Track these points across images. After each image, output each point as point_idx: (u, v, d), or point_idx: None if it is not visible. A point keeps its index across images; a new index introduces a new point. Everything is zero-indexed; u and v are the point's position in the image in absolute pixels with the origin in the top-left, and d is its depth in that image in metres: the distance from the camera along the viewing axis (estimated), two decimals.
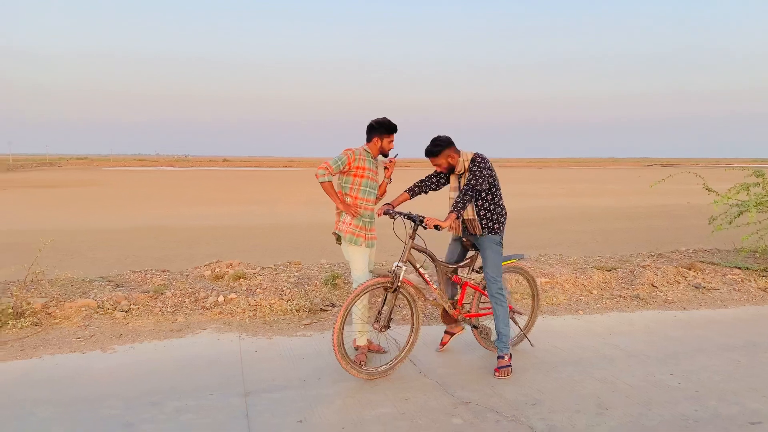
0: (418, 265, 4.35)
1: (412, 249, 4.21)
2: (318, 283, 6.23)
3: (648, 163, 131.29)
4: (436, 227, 4.05)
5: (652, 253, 8.53)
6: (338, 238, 4.44)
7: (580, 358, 4.46)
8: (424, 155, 4.39)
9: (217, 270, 6.65)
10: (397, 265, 4.11)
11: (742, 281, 6.80)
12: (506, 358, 4.23)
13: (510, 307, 4.72)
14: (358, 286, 4.11)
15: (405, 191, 4.59)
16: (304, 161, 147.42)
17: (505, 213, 4.43)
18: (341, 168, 4.36)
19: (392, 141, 4.52)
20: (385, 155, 4.54)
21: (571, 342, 4.85)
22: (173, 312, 5.48)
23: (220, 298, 5.73)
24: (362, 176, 4.38)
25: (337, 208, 4.45)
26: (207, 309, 5.57)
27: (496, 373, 4.16)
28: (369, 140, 4.47)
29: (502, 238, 4.39)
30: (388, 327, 4.17)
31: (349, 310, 3.98)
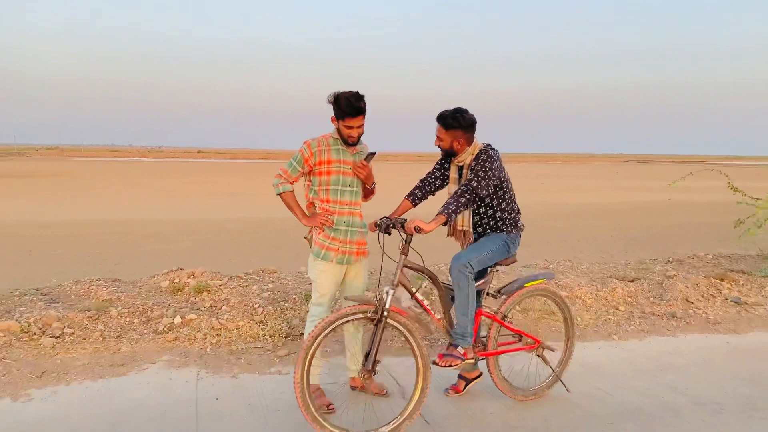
0: (414, 289, 3.27)
1: (404, 268, 3.20)
2: (297, 298, 5.18)
3: (623, 159, 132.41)
4: (417, 229, 3.06)
5: (670, 259, 7.65)
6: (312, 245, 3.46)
7: (636, 408, 3.49)
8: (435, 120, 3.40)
9: (177, 281, 5.54)
10: (386, 290, 3.08)
11: None
12: (460, 350, 3.30)
13: (538, 342, 3.74)
14: (320, 319, 3.09)
15: (405, 197, 3.59)
16: (281, 153, 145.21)
17: (517, 218, 3.52)
18: (300, 169, 3.32)
19: (354, 127, 3.22)
20: (349, 144, 3.30)
21: (616, 382, 3.88)
22: (117, 337, 4.41)
23: (177, 319, 4.65)
24: (328, 172, 3.31)
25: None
26: (159, 334, 4.49)
27: (438, 359, 3.28)
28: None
29: (509, 238, 3.47)
30: (374, 372, 3.10)
31: (311, 355, 2.94)
